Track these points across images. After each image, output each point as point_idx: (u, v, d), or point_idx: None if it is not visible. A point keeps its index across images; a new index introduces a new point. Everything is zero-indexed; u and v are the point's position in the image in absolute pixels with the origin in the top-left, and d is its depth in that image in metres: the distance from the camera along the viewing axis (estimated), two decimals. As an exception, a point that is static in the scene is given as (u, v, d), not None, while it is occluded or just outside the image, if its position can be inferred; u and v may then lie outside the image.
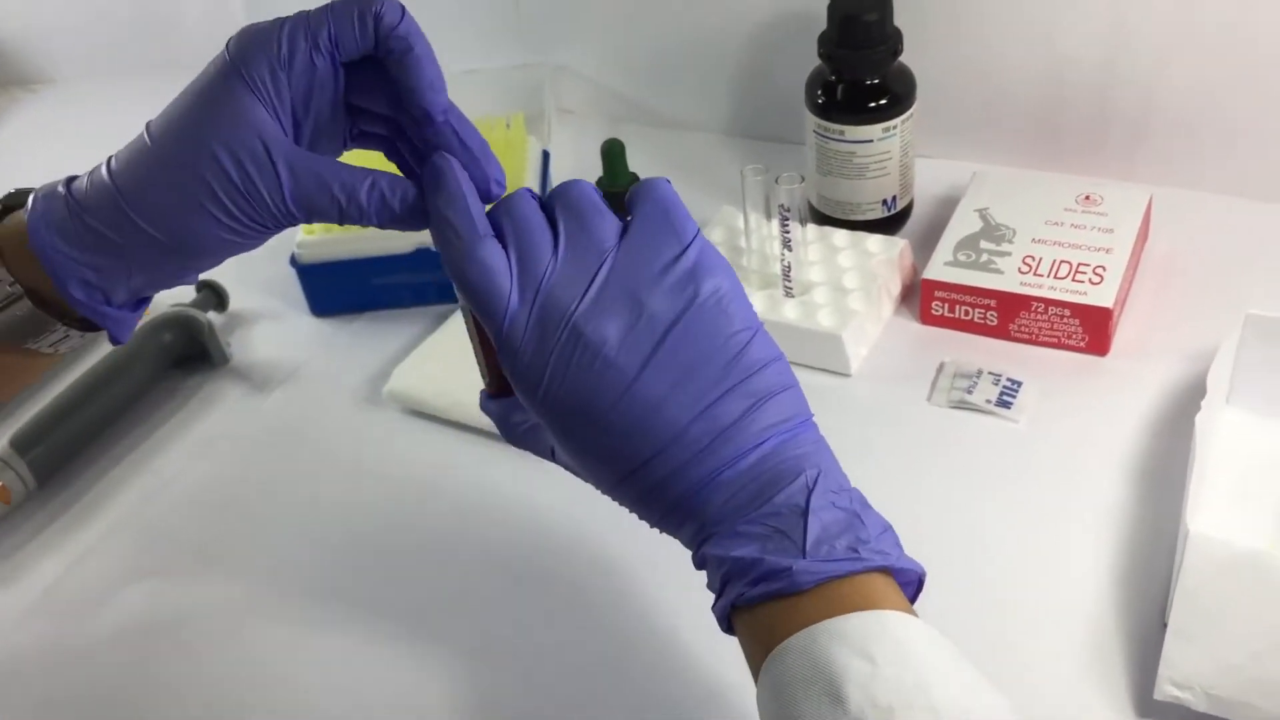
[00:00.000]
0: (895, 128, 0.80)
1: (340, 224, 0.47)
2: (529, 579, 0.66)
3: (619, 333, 0.44)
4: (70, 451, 0.76)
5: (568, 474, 0.49)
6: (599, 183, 0.80)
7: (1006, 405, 0.71)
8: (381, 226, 0.47)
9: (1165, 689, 0.54)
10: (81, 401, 0.76)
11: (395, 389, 0.77)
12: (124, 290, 0.49)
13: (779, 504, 0.44)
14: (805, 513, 0.43)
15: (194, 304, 0.83)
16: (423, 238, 0.82)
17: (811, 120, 0.82)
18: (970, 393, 0.72)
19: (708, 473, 0.45)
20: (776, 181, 0.74)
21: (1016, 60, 0.85)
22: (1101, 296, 0.72)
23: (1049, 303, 0.73)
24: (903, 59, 0.81)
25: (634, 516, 0.46)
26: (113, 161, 0.48)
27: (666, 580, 0.65)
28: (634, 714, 0.59)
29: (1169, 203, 0.81)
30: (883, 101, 0.80)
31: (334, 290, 0.85)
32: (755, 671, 0.44)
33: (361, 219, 0.47)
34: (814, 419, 0.47)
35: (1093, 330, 0.73)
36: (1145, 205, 0.79)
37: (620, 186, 0.79)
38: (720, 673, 0.59)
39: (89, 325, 0.51)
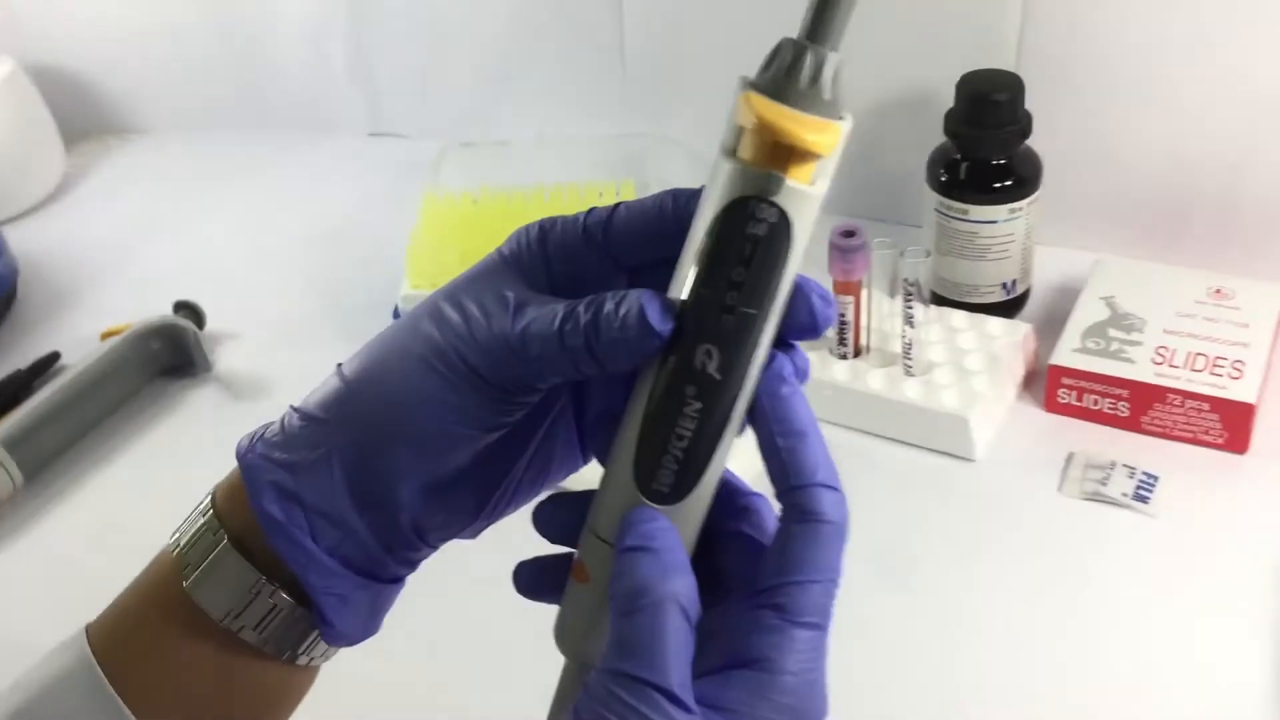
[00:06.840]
0: (1021, 210, 0.78)
1: (572, 369, 0.37)
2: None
3: None
4: (59, 450, 0.78)
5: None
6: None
7: (1143, 500, 0.68)
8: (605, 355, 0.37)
9: (1347, 809, 0.50)
10: (71, 403, 0.78)
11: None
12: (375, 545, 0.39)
13: None
14: None
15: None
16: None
17: (932, 198, 0.80)
18: (1105, 484, 0.69)
19: None
20: (902, 255, 0.73)
21: (1145, 153, 0.83)
22: (1243, 391, 0.70)
23: (1186, 395, 0.70)
24: (1029, 142, 0.79)
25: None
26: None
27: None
28: None
29: (1296, 301, 0.79)
30: (1008, 183, 0.78)
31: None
32: None
33: (582, 338, 0.37)
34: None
35: (1233, 426, 0.70)
36: (1280, 301, 0.77)
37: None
38: None
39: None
